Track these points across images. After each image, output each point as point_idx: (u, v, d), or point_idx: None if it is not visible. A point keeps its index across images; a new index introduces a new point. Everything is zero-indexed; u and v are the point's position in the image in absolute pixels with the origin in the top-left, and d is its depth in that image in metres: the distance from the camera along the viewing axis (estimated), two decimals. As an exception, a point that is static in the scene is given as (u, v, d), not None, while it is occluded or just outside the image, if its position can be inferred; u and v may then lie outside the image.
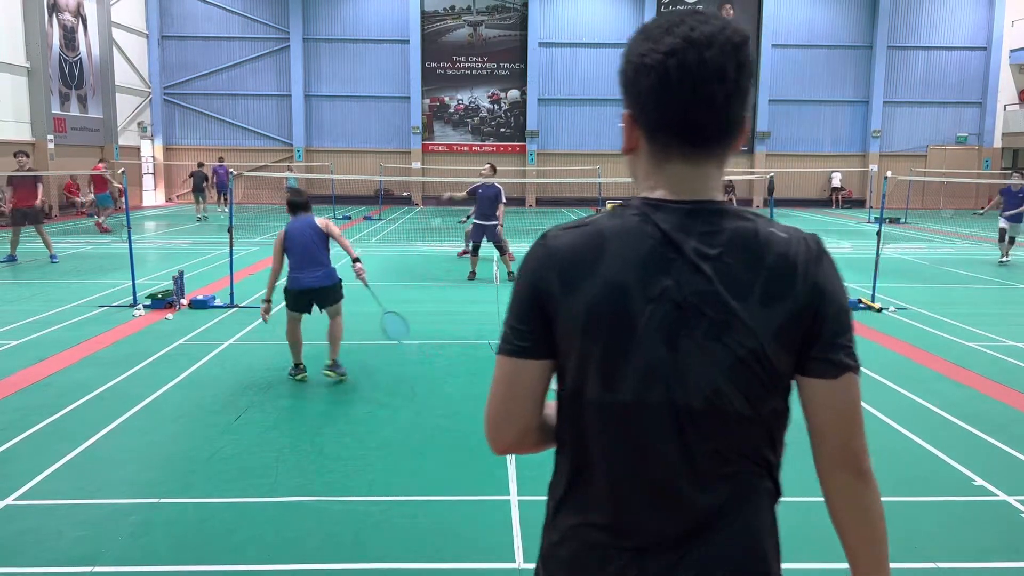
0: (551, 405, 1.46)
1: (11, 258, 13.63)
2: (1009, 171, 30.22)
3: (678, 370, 1.29)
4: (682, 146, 1.33)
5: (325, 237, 6.72)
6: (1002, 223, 14.82)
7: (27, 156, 14.14)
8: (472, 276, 12.31)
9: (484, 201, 11.94)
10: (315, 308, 6.76)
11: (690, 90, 1.27)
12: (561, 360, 1.37)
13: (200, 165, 23.75)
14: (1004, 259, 14.87)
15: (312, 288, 6.58)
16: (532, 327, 1.36)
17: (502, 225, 12.05)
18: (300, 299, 6.62)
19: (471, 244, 12.41)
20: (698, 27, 1.29)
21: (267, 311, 6.71)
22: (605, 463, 1.35)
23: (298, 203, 6.86)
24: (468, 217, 12.86)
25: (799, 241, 1.32)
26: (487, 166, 12.45)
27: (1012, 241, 14.90)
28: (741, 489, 1.34)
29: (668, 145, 1.33)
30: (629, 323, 1.29)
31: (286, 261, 6.65)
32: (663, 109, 1.30)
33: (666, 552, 1.32)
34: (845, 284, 1.37)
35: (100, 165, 19.87)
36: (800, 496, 4.52)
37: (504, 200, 12.03)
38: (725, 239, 1.29)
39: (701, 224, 1.31)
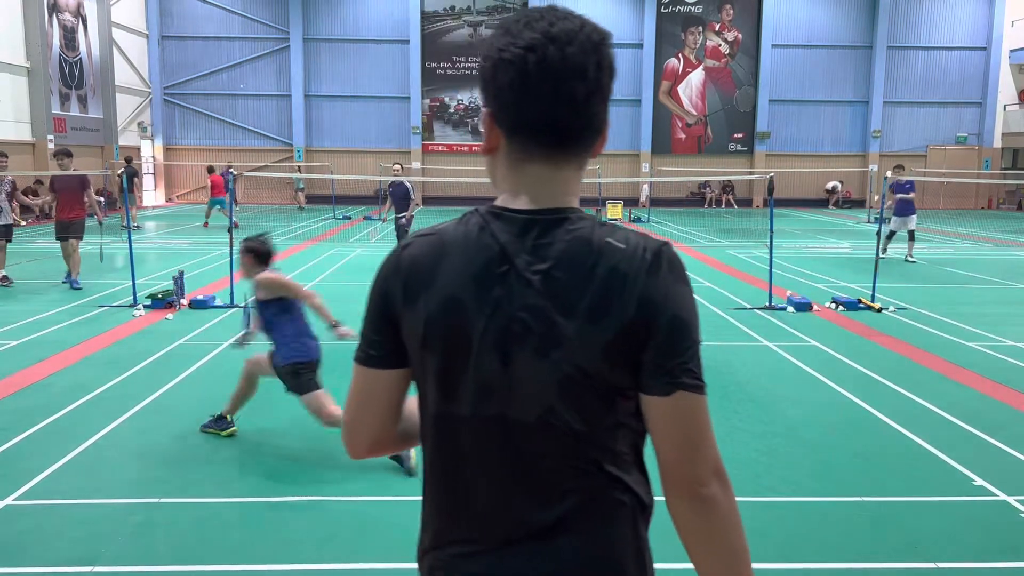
0: (413, 401, 1.44)
1: (75, 282, 11.14)
2: (1008, 170, 30.29)
3: (511, 385, 1.27)
4: (541, 146, 1.29)
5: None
6: (896, 223, 14.68)
7: (69, 156, 11.48)
8: None
9: (395, 198, 12.90)
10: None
11: (551, 87, 1.23)
12: (412, 369, 1.36)
13: (128, 161, 20.42)
14: (884, 255, 14.50)
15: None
16: (383, 336, 1.35)
17: (410, 218, 12.82)
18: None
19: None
20: (557, 23, 1.25)
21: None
22: (447, 473, 1.34)
23: (266, 253, 5.26)
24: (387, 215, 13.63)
25: (635, 251, 1.25)
26: (397, 165, 13.55)
27: (913, 236, 14.77)
28: (585, 502, 1.29)
29: (527, 145, 1.29)
30: (465, 337, 1.27)
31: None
32: (522, 107, 1.26)
33: (511, 560, 1.29)
34: (695, 296, 1.30)
35: (216, 175, 20.11)
36: (797, 497, 4.53)
37: (413, 197, 12.86)
38: (557, 252, 1.25)
39: (536, 235, 1.27)
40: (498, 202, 1.33)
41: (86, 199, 11.27)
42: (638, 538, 1.33)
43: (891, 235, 14.72)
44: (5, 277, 11.25)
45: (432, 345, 1.29)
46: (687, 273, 1.30)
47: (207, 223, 20.79)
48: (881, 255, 14.19)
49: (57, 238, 11.17)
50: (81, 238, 11.25)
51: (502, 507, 1.30)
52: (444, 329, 1.28)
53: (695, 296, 1.31)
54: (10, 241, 11.50)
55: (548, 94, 1.24)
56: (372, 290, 1.37)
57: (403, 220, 12.87)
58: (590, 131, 1.30)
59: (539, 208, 1.29)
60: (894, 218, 14.66)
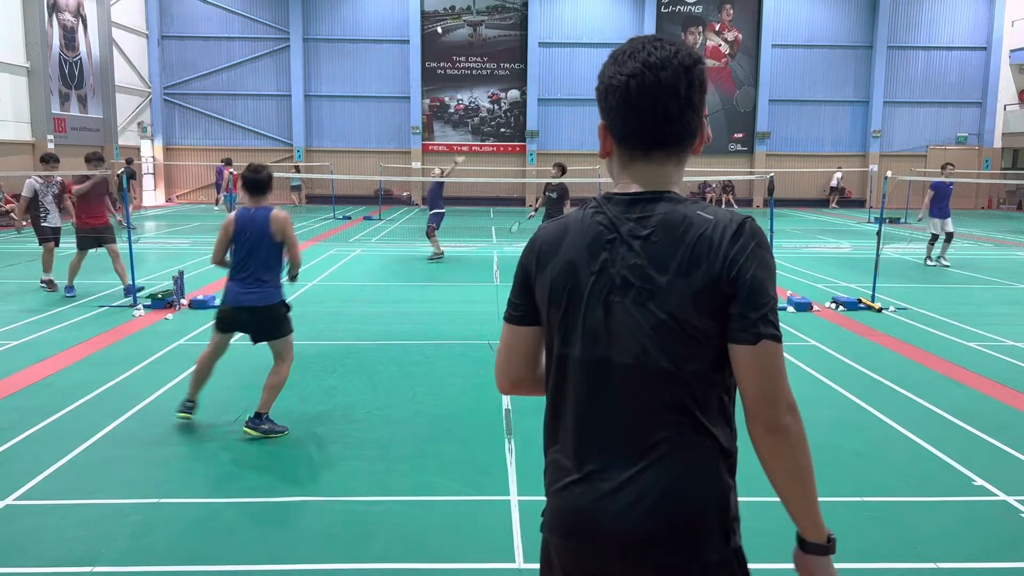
0: None
1: (69, 289, 10.48)
2: (1008, 170, 30.28)
3: (612, 331, 1.57)
4: (644, 150, 1.61)
5: (280, 241, 5.36)
6: (937, 225, 14.03)
7: (102, 161, 10.73)
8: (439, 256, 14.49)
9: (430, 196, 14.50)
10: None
11: (649, 106, 1.55)
12: (545, 324, 1.70)
13: (129, 162, 20.24)
14: (937, 261, 14.19)
15: (246, 307, 5.34)
16: (522, 300, 1.73)
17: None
18: (232, 318, 5.44)
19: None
20: (655, 52, 1.56)
21: None
22: (568, 406, 1.64)
23: (254, 181, 5.39)
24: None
25: (722, 222, 1.53)
26: (438, 169, 15.19)
27: (951, 237, 14.12)
28: (672, 438, 1.55)
29: (633, 149, 1.62)
30: (578, 292, 1.60)
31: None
32: (628, 121, 1.59)
33: (607, 481, 1.57)
34: (775, 262, 1.58)
35: (230, 168, 19.36)
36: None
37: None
38: (656, 222, 1.56)
39: (639, 210, 1.58)
40: (612, 190, 1.66)
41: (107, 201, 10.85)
42: (720, 477, 1.59)
43: (934, 239, 14.17)
44: (51, 281, 10.76)
45: (555, 301, 1.63)
46: (767, 240, 1.56)
47: None
48: (929, 262, 14.13)
49: (84, 247, 10.38)
50: (115, 241, 10.73)
51: (605, 436, 1.59)
52: (563, 287, 1.62)
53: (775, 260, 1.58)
54: (58, 244, 10.99)
55: (647, 111, 1.56)
56: (517, 265, 1.75)
57: (434, 212, 14.19)
58: (685, 137, 1.61)
59: (644, 190, 1.61)
60: (934, 220, 14.00)
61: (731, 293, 1.49)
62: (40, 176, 10.81)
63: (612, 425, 1.58)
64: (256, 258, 5.29)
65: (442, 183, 14.08)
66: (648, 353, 1.53)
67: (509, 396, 6.17)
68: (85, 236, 10.39)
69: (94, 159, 10.60)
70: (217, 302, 9.67)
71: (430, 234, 14.31)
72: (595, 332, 1.57)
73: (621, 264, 1.55)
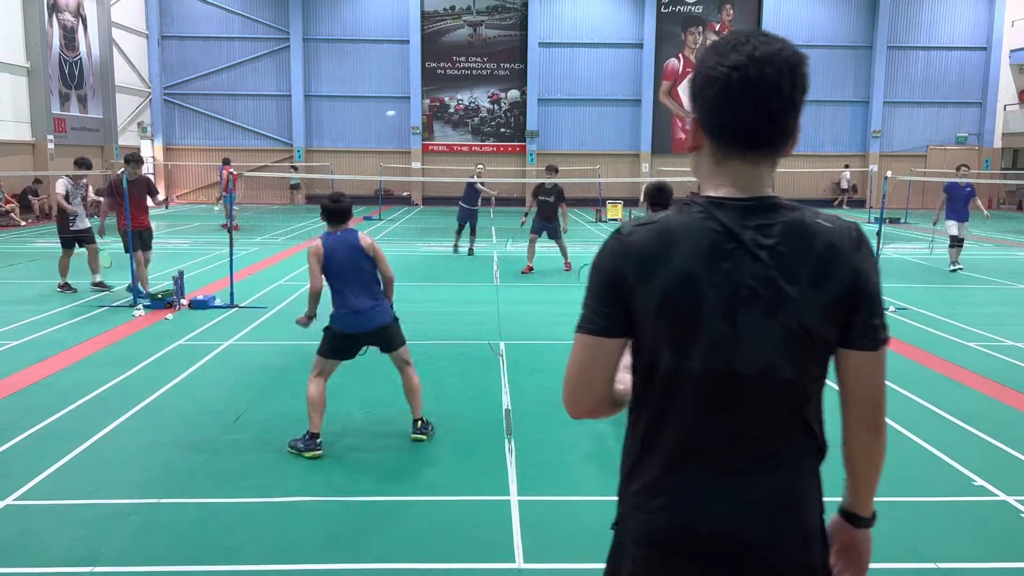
0: (624, 377, 1.68)
1: (96, 287, 10.84)
2: (1008, 171, 30.28)
3: (738, 343, 1.51)
4: (740, 149, 1.54)
5: (372, 260, 5.37)
6: (952, 228, 13.48)
7: (141, 163, 10.85)
8: (469, 252, 15.30)
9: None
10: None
11: (750, 101, 1.48)
12: (638, 337, 1.59)
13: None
14: (956, 266, 13.61)
15: (369, 331, 5.36)
16: (611, 309, 1.57)
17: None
18: (356, 343, 5.44)
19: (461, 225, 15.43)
20: (760, 47, 1.49)
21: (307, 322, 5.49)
22: (674, 419, 1.58)
23: (336, 211, 5.38)
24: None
25: (842, 230, 1.53)
26: (480, 166, 16.67)
27: (961, 243, 13.59)
28: (788, 445, 1.57)
29: (728, 147, 1.54)
30: (696, 304, 1.51)
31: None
32: (725, 116, 1.52)
33: (722, 491, 1.56)
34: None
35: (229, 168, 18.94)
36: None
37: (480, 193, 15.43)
38: (778, 230, 1.51)
39: (757, 218, 1.52)
40: (710, 194, 1.57)
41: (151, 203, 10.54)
42: (818, 476, 1.63)
43: (957, 242, 13.52)
44: (67, 284, 10.72)
45: (668, 312, 1.53)
46: None
47: (237, 224, 18.08)
48: (952, 267, 13.58)
49: (127, 251, 10.19)
50: (151, 247, 10.64)
51: (721, 448, 1.56)
52: (679, 298, 1.52)
53: None
54: (71, 248, 10.81)
55: (748, 106, 1.49)
56: (598, 272, 1.60)
57: (473, 209, 15.19)
58: (782, 137, 1.54)
59: (750, 196, 1.54)
60: (953, 223, 13.39)
61: (857, 302, 1.52)
62: (71, 177, 10.75)
63: (730, 436, 1.55)
64: (358, 278, 5.30)
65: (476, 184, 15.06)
66: (775, 364, 1.51)
67: (510, 396, 6.19)
68: (133, 244, 10.17)
69: (133, 160, 10.48)
70: (218, 302, 9.79)
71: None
72: (717, 344, 1.52)
73: (747, 274, 1.50)
